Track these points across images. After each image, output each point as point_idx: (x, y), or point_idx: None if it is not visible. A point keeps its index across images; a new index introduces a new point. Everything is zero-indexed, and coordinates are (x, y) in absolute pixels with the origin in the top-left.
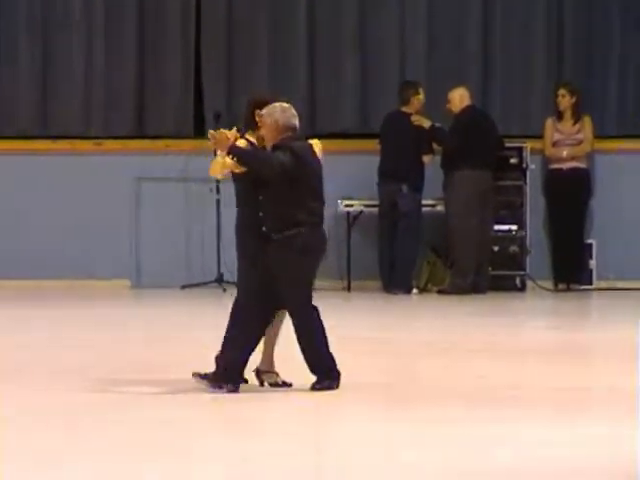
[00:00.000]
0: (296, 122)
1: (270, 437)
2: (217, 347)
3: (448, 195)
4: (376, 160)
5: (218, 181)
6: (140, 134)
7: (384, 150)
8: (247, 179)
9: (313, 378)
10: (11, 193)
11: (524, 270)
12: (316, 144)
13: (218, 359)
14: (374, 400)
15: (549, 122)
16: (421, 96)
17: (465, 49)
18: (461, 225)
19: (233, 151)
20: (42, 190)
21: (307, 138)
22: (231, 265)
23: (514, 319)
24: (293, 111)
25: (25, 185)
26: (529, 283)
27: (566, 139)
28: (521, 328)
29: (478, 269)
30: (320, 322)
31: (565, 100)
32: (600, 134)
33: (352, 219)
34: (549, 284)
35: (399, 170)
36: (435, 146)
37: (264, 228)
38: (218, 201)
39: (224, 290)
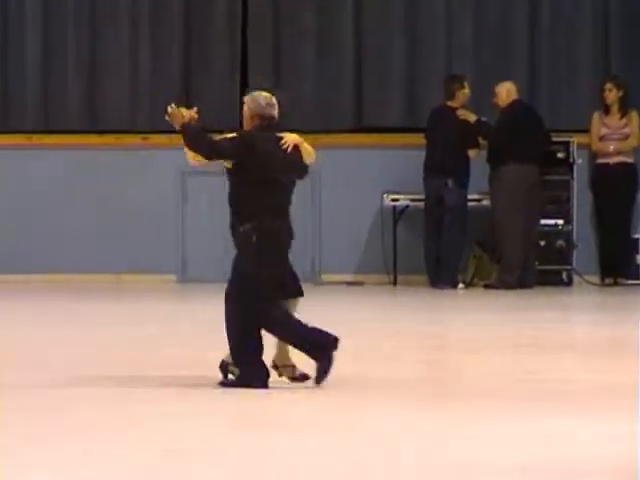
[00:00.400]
0: (271, 112)
1: (315, 432)
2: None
3: (494, 190)
4: (422, 154)
5: None
6: None
7: (430, 144)
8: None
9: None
10: (58, 187)
11: (571, 265)
12: (294, 138)
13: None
14: (420, 395)
15: (596, 116)
16: (466, 90)
17: (512, 43)
18: (507, 220)
19: (181, 129)
20: (89, 184)
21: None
22: None
23: (561, 314)
24: (270, 101)
25: (72, 179)
26: (576, 278)
27: (613, 133)
28: (568, 323)
29: (525, 264)
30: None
31: (612, 94)
32: None
33: (398, 214)
34: (596, 279)
35: (445, 164)
36: (481, 140)
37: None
38: None
39: None
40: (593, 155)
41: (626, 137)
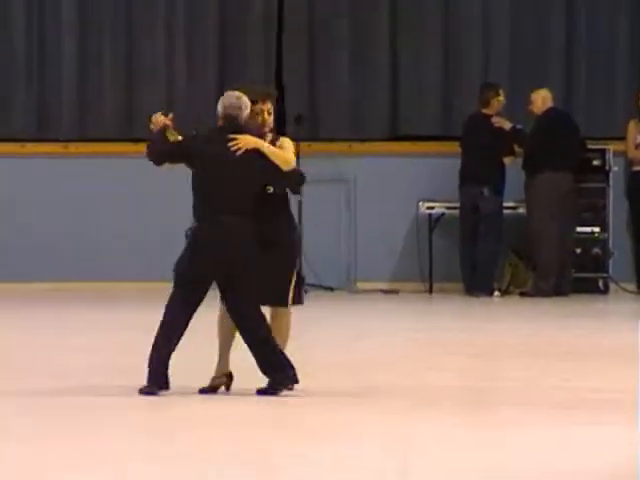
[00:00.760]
0: (232, 112)
1: (355, 440)
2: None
3: (530, 197)
4: (457, 162)
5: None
6: None
7: (465, 152)
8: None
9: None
10: (94, 195)
11: (607, 272)
12: (246, 141)
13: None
14: (455, 403)
15: (632, 124)
16: (501, 97)
17: (548, 50)
18: (543, 227)
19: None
20: (125, 192)
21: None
22: (314, 267)
23: (597, 322)
24: (235, 102)
25: (108, 187)
26: (612, 285)
27: None
28: (604, 331)
29: (560, 271)
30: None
31: None
32: None
33: (434, 221)
34: (632, 286)
35: (480, 172)
36: (516, 148)
37: None
38: (299, 203)
39: (305, 292)
40: (629, 163)
41: None
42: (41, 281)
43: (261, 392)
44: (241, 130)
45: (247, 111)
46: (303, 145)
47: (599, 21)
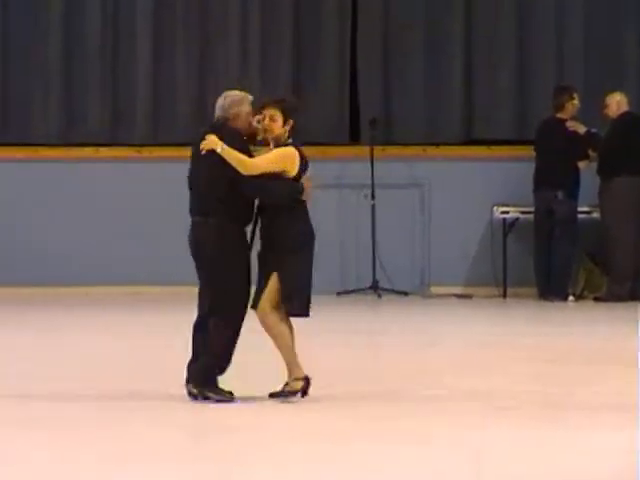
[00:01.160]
0: (215, 111)
1: (427, 444)
2: (371, 351)
3: (605, 202)
4: (532, 167)
5: (374, 187)
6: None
7: (539, 156)
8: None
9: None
10: (169, 199)
11: None
12: (208, 142)
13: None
14: (529, 407)
15: None
16: (576, 101)
17: (622, 53)
18: (618, 232)
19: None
20: None
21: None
22: (388, 271)
23: None
24: (220, 101)
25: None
26: None
27: None
28: None
29: (636, 276)
30: None
31: None
32: None
33: (508, 226)
34: None
35: (554, 176)
36: (590, 152)
37: None
38: (373, 207)
39: (379, 296)
40: None
41: None
42: (114, 284)
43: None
44: (220, 130)
45: (232, 111)
46: (377, 149)
47: None
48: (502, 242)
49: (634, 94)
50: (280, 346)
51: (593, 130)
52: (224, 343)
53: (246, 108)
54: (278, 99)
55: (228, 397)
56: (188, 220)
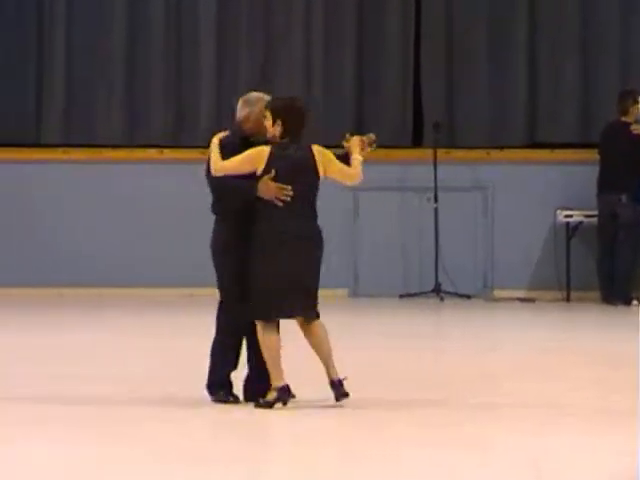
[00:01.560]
0: None
1: (486, 451)
2: (433, 355)
3: None
4: (596, 170)
5: (436, 190)
6: None
7: (603, 160)
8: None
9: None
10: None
11: None
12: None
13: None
14: (590, 413)
15: None
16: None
17: None
18: None
19: None
20: None
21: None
22: (451, 274)
23: None
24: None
25: None
26: None
27: None
28: None
29: None
30: None
31: None
32: None
33: (572, 230)
34: None
35: (618, 180)
36: None
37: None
38: (436, 210)
39: (442, 300)
40: None
41: None
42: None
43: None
44: (233, 132)
45: (242, 113)
46: (440, 152)
47: None
48: (565, 246)
49: None
50: (263, 353)
51: None
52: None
53: (257, 109)
54: (271, 99)
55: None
56: None
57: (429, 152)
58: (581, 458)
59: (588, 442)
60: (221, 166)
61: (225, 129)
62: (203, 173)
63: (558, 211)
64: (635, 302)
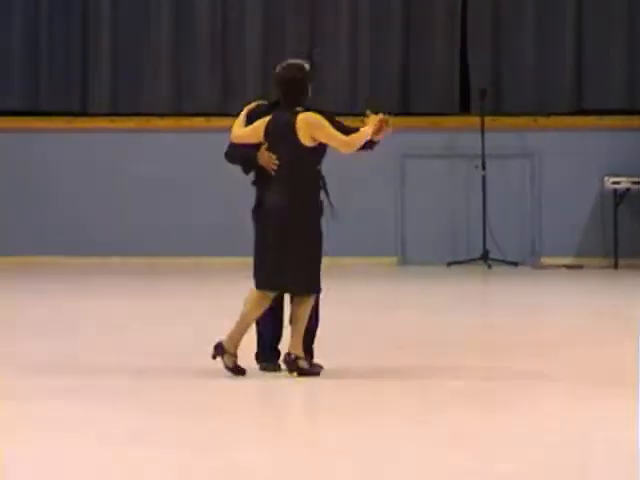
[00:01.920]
0: None
1: (533, 418)
2: (481, 322)
3: None
4: None
5: (484, 158)
6: (405, 111)
7: None
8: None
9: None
10: None
11: None
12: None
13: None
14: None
15: None
16: None
17: None
18: None
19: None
20: None
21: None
22: (499, 241)
23: None
24: None
25: None
26: None
27: None
28: None
29: None
30: None
31: None
32: None
33: (619, 197)
34: None
35: None
36: None
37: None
38: (484, 177)
39: (489, 267)
40: None
41: None
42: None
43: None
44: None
45: None
46: (488, 119)
47: None
48: (613, 212)
49: None
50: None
51: None
52: None
53: None
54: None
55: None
56: None
57: (476, 119)
58: (629, 427)
59: (634, 410)
60: (234, 134)
61: (261, 98)
62: None
63: (605, 178)
64: None
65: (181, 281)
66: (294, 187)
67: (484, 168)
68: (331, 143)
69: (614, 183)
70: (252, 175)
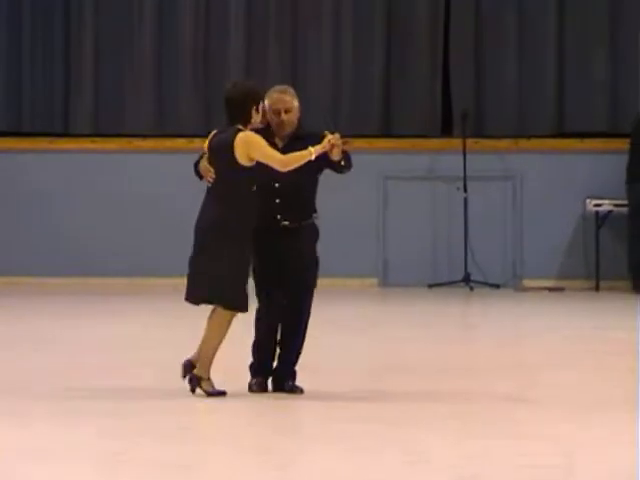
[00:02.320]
0: None
1: (521, 438)
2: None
3: None
4: (624, 159)
5: (466, 180)
6: (387, 133)
7: (634, 150)
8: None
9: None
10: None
11: None
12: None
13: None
14: (620, 402)
15: None
16: None
17: None
18: None
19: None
20: None
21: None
22: (480, 264)
23: None
24: None
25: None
26: None
27: None
28: None
29: None
30: None
31: None
32: None
33: (601, 219)
34: None
35: None
36: None
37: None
38: (465, 199)
39: (471, 289)
40: None
41: None
42: None
43: None
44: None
45: (296, 103)
46: (469, 142)
47: None
48: (595, 235)
49: None
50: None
51: None
52: None
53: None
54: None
55: None
56: None
57: (458, 142)
58: (613, 450)
59: (618, 433)
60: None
61: None
62: None
63: (587, 200)
64: None
65: (164, 301)
66: (227, 204)
67: (466, 190)
68: (267, 162)
69: (596, 205)
70: None
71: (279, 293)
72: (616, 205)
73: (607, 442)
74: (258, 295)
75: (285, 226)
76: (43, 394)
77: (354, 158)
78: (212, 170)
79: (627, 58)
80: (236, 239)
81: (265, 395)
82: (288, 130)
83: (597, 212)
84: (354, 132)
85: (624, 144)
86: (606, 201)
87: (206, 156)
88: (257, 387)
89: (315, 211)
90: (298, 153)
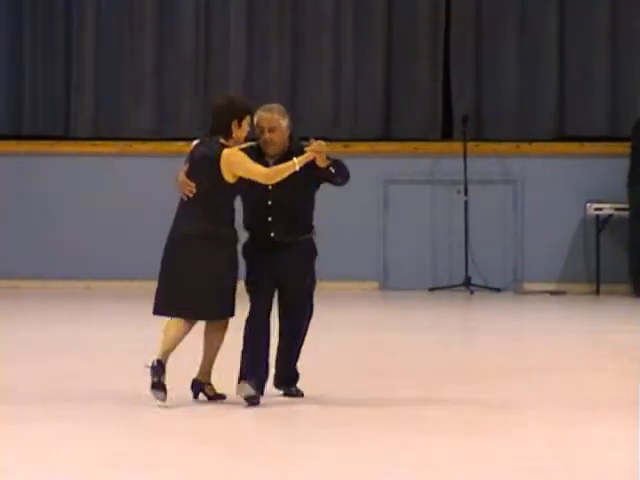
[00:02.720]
0: None
1: (519, 440)
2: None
3: None
4: (626, 163)
5: (466, 183)
6: (388, 136)
7: (635, 153)
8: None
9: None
10: None
11: None
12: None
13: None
14: (622, 404)
15: None
16: None
17: None
18: None
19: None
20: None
21: None
22: (481, 267)
23: None
24: None
25: None
26: None
27: None
28: None
29: None
30: None
31: None
32: None
33: (601, 223)
34: None
35: None
36: None
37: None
38: (466, 203)
39: (472, 293)
40: None
41: None
42: None
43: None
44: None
45: (288, 122)
46: (470, 145)
47: None
48: (595, 239)
49: None
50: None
51: None
52: None
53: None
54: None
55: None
56: None
57: (459, 145)
58: (612, 453)
59: (618, 436)
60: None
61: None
62: None
63: (588, 204)
64: None
65: None
66: (209, 217)
67: (466, 194)
68: (250, 177)
69: (596, 209)
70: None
71: (271, 303)
72: (617, 209)
73: (607, 445)
74: (251, 306)
75: (279, 242)
76: (43, 396)
77: (354, 162)
78: (192, 185)
79: (627, 61)
80: (219, 251)
81: (264, 398)
82: (275, 149)
83: (598, 216)
84: (355, 135)
85: (625, 148)
86: (607, 205)
87: (185, 168)
88: (248, 394)
89: (312, 227)
90: (282, 165)
